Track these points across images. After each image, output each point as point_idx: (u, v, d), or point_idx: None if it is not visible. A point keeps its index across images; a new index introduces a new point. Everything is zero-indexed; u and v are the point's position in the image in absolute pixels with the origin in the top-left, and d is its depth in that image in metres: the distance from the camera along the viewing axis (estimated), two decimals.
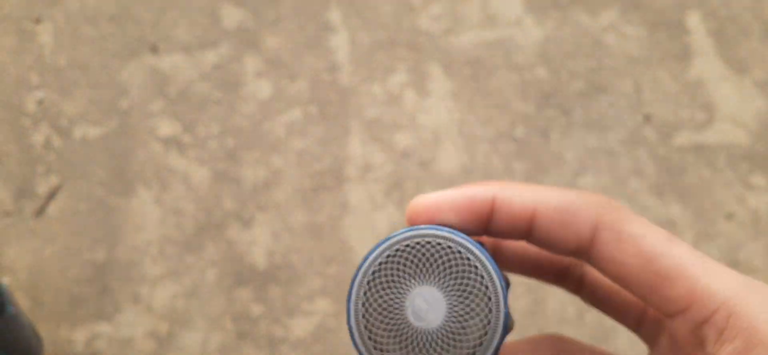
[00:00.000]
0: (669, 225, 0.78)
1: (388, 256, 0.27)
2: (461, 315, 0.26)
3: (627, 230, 0.25)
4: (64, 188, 0.84)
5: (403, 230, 0.28)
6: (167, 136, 0.88)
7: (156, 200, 0.82)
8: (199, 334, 0.74)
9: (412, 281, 0.26)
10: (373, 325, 0.26)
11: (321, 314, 0.77)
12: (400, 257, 0.27)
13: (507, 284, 0.27)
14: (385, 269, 0.27)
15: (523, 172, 0.82)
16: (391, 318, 0.26)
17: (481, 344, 0.25)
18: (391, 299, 0.26)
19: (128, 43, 0.99)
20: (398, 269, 0.27)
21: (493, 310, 0.25)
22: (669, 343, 0.28)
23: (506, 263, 0.31)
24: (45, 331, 0.73)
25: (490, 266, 0.26)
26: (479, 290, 0.26)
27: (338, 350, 0.77)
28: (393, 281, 0.27)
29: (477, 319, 0.25)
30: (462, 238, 0.26)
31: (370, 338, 0.26)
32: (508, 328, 0.25)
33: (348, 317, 0.26)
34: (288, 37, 0.98)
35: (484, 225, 0.27)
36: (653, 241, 0.24)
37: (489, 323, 0.25)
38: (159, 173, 0.85)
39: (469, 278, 0.26)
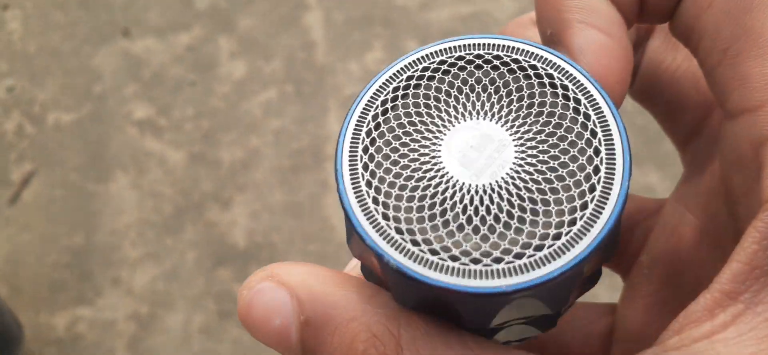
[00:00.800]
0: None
1: (415, 73, 0.17)
2: (543, 163, 0.15)
3: None
4: (39, 174, 0.83)
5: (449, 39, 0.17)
6: (142, 119, 0.87)
7: (133, 183, 0.82)
8: (180, 315, 0.74)
9: (449, 116, 0.16)
10: (383, 178, 0.16)
11: None
12: (435, 78, 0.17)
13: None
14: (410, 94, 0.17)
15: None
16: (413, 167, 0.16)
17: (574, 219, 0.15)
18: (416, 139, 0.16)
19: (99, 27, 0.97)
20: (430, 95, 0.17)
21: (603, 156, 0.15)
22: (714, 179, 0.21)
23: None
24: (25, 317, 0.72)
25: (601, 96, 0.16)
26: (575, 129, 0.16)
27: None
28: (420, 112, 0.16)
29: (574, 169, 0.15)
30: (549, 51, 0.17)
31: (377, 202, 0.15)
32: (626, 197, 0.15)
33: (337, 168, 0.16)
34: (262, 16, 0.97)
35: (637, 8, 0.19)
36: None
37: (595, 171, 0.15)
38: (135, 157, 0.84)
39: (558, 114, 0.16)
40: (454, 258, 0.14)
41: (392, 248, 0.15)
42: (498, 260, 0.14)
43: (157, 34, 0.95)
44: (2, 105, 0.90)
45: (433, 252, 0.14)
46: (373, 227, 0.15)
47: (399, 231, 0.15)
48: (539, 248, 0.14)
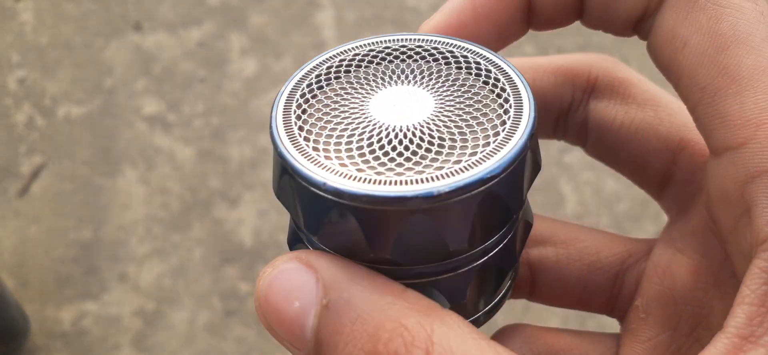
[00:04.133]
0: (653, 202, 0.79)
1: (351, 52, 0.19)
2: (458, 109, 0.17)
3: None
4: (48, 167, 0.84)
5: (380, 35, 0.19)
6: (152, 114, 0.87)
7: (141, 179, 0.82)
8: (186, 312, 0.74)
9: (386, 80, 0.18)
10: (314, 124, 0.17)
11: None
12: (369, 56, 0.19)
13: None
14: (344, 64, 0.18)
15: None
16: (342, 112, 0.17)
17: (496, 134, 0.16)
18: (346, 92, 0.18)
19: (111, 21, 0.97)
20: (355, 70, 0.18)
21: (511, 101, 0.17)
22: (702, 218, 0.21)
23: None
24: (31, 310, 0.72)
25: (511, 70, 0.18)
26: (488, 89, 0.17)
27: None
28: (353, 74, 0.18)
29: (484, 118, 0.17)
30: (472, 44, 0.18)
31: (308, 140, 0.16)
32: (536, 135, 0.17)
33: (272, 116, 0.17)
34: (274, 14, 0.97)
35: (523, 13, 0.20)
36: (742, 19, 0.17)
37: (506, 112, 0.17)
38: (144, 152, 0.84)
39: (474, 80, 0.18)
40: (388, 182, 0.15)
41: (323, 171, 0.15)
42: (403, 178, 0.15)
43: (168, 28, 0.95)
44: (13, 97, 0.90)
45: (359, 172, 0.15)
46: (301, 154, 0.16)
47: (328, 159, 0.15)
48: (439, 170, 0.15)
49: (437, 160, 0.15)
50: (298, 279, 0.16)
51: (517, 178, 0.16)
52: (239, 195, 0.81)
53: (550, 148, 0.82)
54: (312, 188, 0.15)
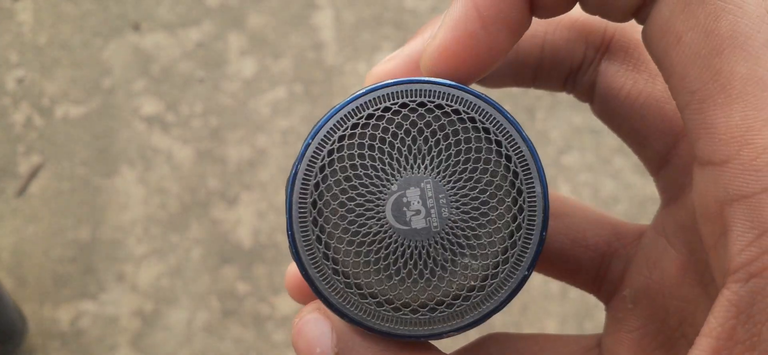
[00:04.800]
0: (652, 203, 0.79)
1: (354, 126, 0.18)
2: (472, 214, 0.17)
3: None
4: (46, 167, 0.83)
5: (373, 86, 0.18)
6: (150, 115, 0.87)
7: (140, 179, 0.82)
8: (184, 312, 0.74)
9: (392, 169, 0.17)
10: (331, 233, 0.17)
11: None
12: (371, 129, 0.18)
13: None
14: (348, 148, 0.18)
15: None
16: (359, 221, 0.17)
17: (506, 258, 0.16)
18: (359, 194, 0.17)
19: (110, 21, 0.97)
20: (369, 150, 0.18)
21: (525, 205, 0.16)
22: (689, 211, 0.20)
23: (497, 74, 0.23)
24: (29, 310, 0.72)
25: (521, 138, 0.17)
26: (501, 175, 0.17)
27: None
28: (362, 167, 0.17)
29: (498, 218, 0.16)
30: (474, 93, 0.17)
31: (325, 256, 0.17)
32: (544, 236, 0.17)
33: (289, 222, 0.17)
34: (272, 14, 0.97)
35: (527, 2, 0.18)
36: (742, 20, 0.15)
37: (517, 221, 0.16)
38: (142, 153, 0.84)
39: (485, 160, 0.17)
40: (396, 309, 0.17)
41: (343, 302, 0.17)
42: (424, 307, 0.17)
43: (167, 29, 0.95)
44: (12, 97, 0.90)
45: (379, 304, 0.17)
46: (326, 283, 0.17)
47: (348, 286, 0.17)
48: (457, 297, 0.16)
49: (444, 280, 0.17)
50: (318, 330, 0.20)
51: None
52: (237, 195, 0.81)
53: (548, 149, 0.83)
54: (349, 321, 0.18)
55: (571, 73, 0.23)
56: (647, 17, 0.17)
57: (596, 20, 0.22)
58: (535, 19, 0.19)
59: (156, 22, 0.95)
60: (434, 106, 0.17)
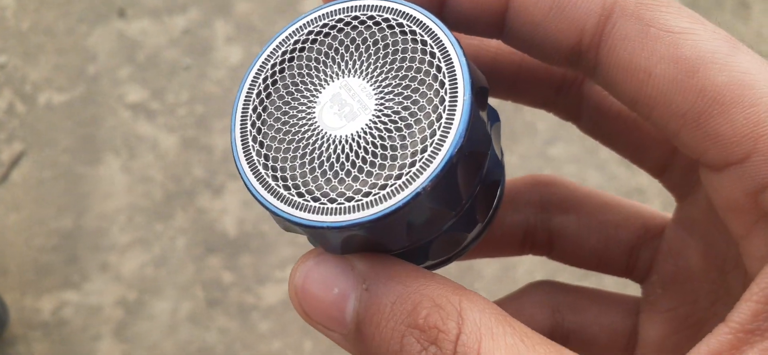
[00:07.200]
0: (637, 194, 0.79)
1: (296, 44, 0.19)
2: (397, 110, 0.18)
3: (660, 20, 0.16)
4: (28, 155, 0.83)
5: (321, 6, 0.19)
6: (135, 102, 0.86)
7: (124, 167, 0.81)
8: (168, 302, 0.73)
9: (329, 72, 0.19)
10: (267, 135, 0.18)
11: None
12: (314, 44, 0.19)
13: (483, 89, 0.18)
14: (291, 64, 0.19)
15: None
16: (294, 123, 0.18)
17: (424, 149, 0.17)
18: (297, 100, 0.18)
19: (95, 7, 0.96)
20: (306, 61, 0.19)
21: (446, 99, 0.17)
22: (705, 206, 0.21)
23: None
24: (10, 299, 0.72)
25: (449, 39, 0.18)
26: (426, 72, 0.18)
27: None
28: (301, 76, 0.19)
29: (422, 114, 0.17)
30: (412, 7, 0.18)
31: (261, 156, 0.18)
32: (473, 133, 0.17)
33: (232, 129, 0.19)
34: (259, 1, 0.96)
35: (437, 7, 0.19)
36: (700, 41, 0.16)
37: (438, 119, 0.17)
38: (127, 141, 0.83)
39: (412, 60, 0.18)
40: (331, 200, 0.17)
41: (282, 203, 0.18)
42: (355, 197, 0.17)
43: (152, 15, 0.94)
44: None
45: (315, 199, 0.17)
46: (266, 189, 0.18)
47: (286, 187, 0.18)
48: (383, 187, 0.17)
49: (372, 174, 0.17)
50: (335, 269, 0.18)
51: (448, 185, 0.17)
52: (223, 184, 0.80)
53: (535, 141, 0.82)
54: (282, 218, 0.18)
55: (551, 91, 0.23)
56: (598, 64, 0.18)
57: None
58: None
59: (142, 8, 0.94)
60: (379, 20, 0.19)
